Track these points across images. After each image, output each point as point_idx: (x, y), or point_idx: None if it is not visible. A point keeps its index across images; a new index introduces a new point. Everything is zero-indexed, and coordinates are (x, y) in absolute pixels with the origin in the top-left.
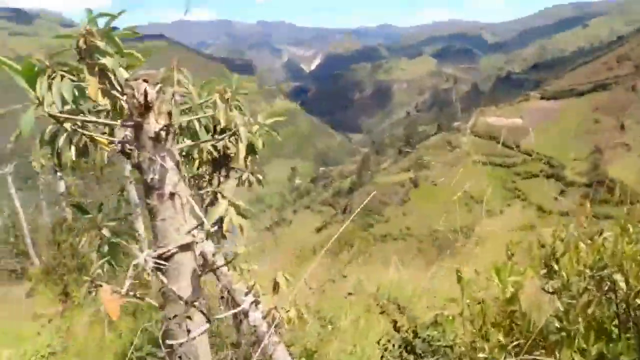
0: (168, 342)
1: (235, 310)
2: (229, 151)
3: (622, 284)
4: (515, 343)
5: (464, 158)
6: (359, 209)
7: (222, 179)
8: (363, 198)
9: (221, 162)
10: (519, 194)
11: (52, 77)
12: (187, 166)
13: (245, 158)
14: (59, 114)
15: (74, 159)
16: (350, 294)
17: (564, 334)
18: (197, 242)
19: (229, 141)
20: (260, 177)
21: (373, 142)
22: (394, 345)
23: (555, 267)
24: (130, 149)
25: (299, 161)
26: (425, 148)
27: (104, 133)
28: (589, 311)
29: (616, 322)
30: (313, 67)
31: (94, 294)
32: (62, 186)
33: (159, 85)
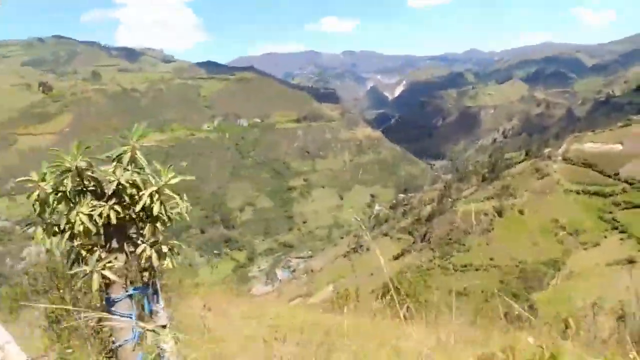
0: None
1: None
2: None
3: None
4: None
5: (555, 186)
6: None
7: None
8: (443, 226)
9: (110, 233)
10: (617, 225)
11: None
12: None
13: (152, 227)
14: None
15: None
16: None
17: None
18: None
19: (118, 207)
20: (173, 249)
21: (456, 169)
22: None
23: None
24: None
25: (380, 188)
26: (512, 176)
27: None
28: None
29: None
30: (397, 94)
31: None
32: None
33: None
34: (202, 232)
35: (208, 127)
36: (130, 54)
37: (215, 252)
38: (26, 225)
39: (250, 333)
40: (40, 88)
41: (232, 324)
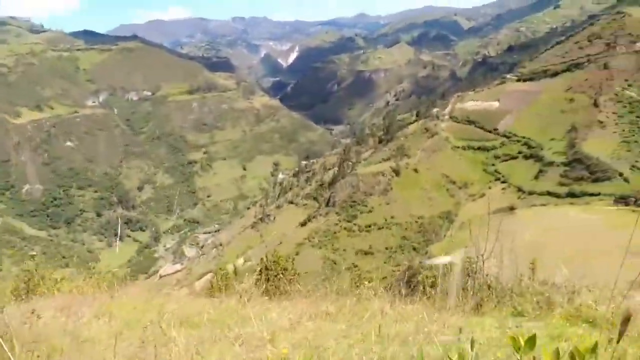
0: None
1: None
2: None
3: None
4: None
5: (444, 144)
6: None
7: None
8: (345, 190)
9: None
10: (499, 176)
11: None
12: None
13: None
14: None
15: None
16: None
17: None
18: None
19: None
20: None
21: (354, 133)
22: None
23: None
24: None
25: (282, 157)
26: (405, 136)
27: None
28: None
29: None
30: (291, 61)
31: None
32: None
33: None
34: (99, 215)
35: (93, 102)
36: None
37: (115, 233)
38: None
39: (88, 335)
40: None
41: (73, 326)
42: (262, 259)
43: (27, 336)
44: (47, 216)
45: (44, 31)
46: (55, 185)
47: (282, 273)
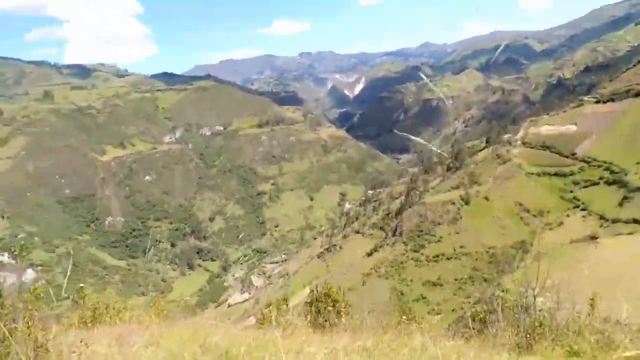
0: None
1: None
2: None
3: None
4: None
5: (516, 170)
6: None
7: None
8: (413, 219)
9: None
10: (578, 203)
11: None
12: None
13: None
14: None
15: None
16: None
17: None
18: None
19: None
20: None
21: (421, 161)
22: None
23: None
24: None
25: (349, 186)
26: (475, 163)
27: None
28: None
29: None
30: (357, 91)
31: None
32: None
33: None
34: (173, 245)
35: (170, 139)
36: (82, 71)
37: (187, 263)
38: None
39: None
40: None
41: (120, 356)
42: (312, 290)
43: None
44: (127, 246)
45: (128, 75)
46: (135, 217)
47: (332, 305)
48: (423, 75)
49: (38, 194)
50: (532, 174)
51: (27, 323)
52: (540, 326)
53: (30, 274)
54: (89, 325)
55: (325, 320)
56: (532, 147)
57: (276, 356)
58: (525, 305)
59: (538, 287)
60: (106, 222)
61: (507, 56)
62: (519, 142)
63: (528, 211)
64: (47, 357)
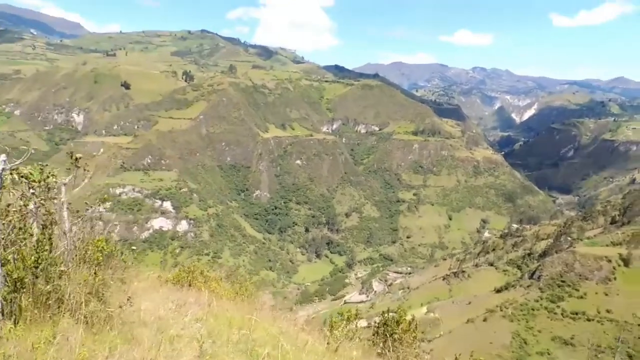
0: None
1: None
2: None
3: None
4: None
5: None
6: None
7: None
8: (557, 266)
9: None
10: None
11: None
12: None
13: None
14: None
15: None
16: None
17: None
18: None
19: None
20: None
21: (582, 206)
22: None
23: None
24: None
25: (493, 214)
26: None
27: None
28: None
29: None
30: (526, 117)
31: None
32: None
33: None
34: (307, 230)
35: (327, 129)
36: (265, 52)
37: (316, 251)
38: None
39: (172, 332)
40: (184, 77)
41: (167, 322)
42: (382, 312)
43: (117, 318)
44: (266, 221)
45: (303, 62)
46: (279, 196)
47: (401, 334)
48: (610, 112)
49: (204, 156)
50: None
51: (92, 269)
52: None
53: (184, 225)
54: (184, 286)
55: (383, 347)
56: None
57: None
58: None
59: None
60: (254, 195)
61: None
62: None
63: None
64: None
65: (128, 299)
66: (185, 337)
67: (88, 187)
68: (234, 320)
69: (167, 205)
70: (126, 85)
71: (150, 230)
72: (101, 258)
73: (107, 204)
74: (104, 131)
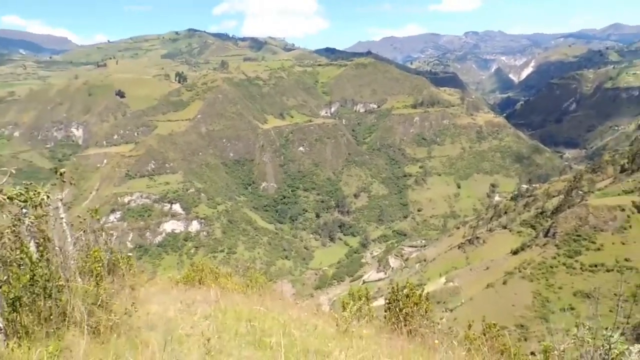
0: None
1: None
2: None
3: None
4: None
5: None
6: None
7: None
8: (571, 221)
9: None
10: None
11: None
12: None
13: None
14: None
15: None
16: None
17: None
18: None
19: None
20: None
21: (590, 158)
22: None
23: None
24: None
25: (501, 178)
26: None
27: None
28: None
29: None
30: (524, 76)
31: None
32: None
33: None
34: (318, 216)
35: (325, 113)
36: (255, 44)
37: (329, 235)
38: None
39: (179, 333)
40: (177, 78)
41: (175, 322)
42: (392, 287)
43: (124, 325)
44: (276, 211)
45: (294, 49)
46: (286, 185)
47: (412, 308)
48: (609, 60)
49: (207, 155)
50: None
51: (94, 280)
52: None
53: (195, 225)
54: (192, 285)
55: (394, 324)
56: None
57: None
58: None
59: None
60: (261, 187)
61: None
62: None
63: None
64: (101, 314)
65: (132, 304)
66: (194, 336)
67: (96, 199)
68: (242, 313)
69: (177, 207)
70: (120, 94)
71: (163, 234)
72: (99, 269)
73: (113, 214)
74: (104, 142)
